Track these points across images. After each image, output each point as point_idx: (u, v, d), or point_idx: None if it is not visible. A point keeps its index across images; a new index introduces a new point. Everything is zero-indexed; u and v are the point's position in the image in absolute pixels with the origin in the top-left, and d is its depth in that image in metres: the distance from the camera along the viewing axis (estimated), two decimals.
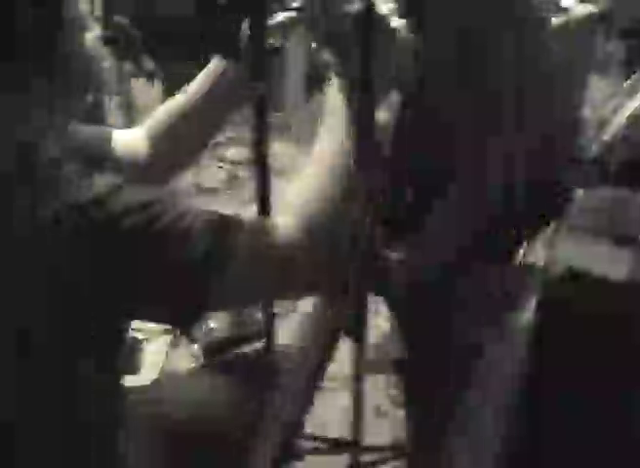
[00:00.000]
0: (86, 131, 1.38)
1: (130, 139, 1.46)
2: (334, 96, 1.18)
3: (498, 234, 1.75)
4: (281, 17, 1.36)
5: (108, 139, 1.42)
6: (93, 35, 1.21)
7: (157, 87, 3.70)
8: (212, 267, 1.05)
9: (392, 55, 1.13)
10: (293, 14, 1.36)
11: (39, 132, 1.09)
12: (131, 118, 3.57)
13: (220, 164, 3.54)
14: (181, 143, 1.48)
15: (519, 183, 1.69)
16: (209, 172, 3.51)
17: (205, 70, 1.44)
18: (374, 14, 1.09)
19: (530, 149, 1.67)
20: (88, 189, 1.02)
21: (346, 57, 1.16)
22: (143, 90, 3.66)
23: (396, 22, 1.12)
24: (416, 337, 1.99)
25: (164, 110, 1.48)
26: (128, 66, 3.58)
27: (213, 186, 3.47)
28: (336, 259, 1.17)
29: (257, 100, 1.13)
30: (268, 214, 1.27)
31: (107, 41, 3.29)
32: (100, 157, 1.38)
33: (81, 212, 1.00)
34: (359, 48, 1.12)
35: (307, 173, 1.17)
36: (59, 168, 1.05)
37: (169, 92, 3.53)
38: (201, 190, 3.43)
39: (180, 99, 1.46)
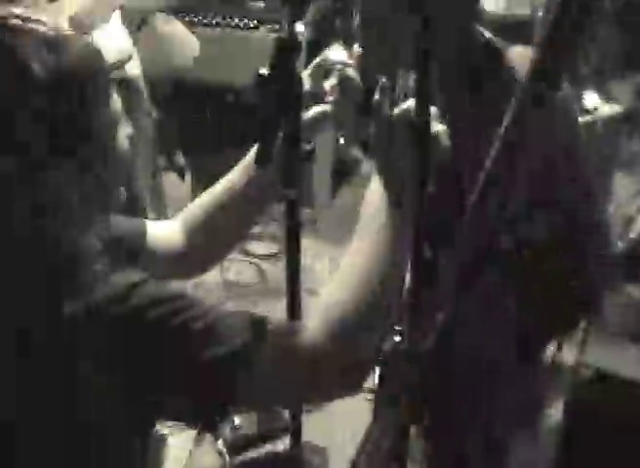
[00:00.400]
0: (122, 223, 1.42)
1: (165, 232, 1.49)
2: (371, 193, 1.20)
3: (499, 252, 1.74)
4: (312, 112, 1.38)
5: (144, 232, 1.45)
6: (125, 131, 1.25)
7: (187, 181, 3.76)
8: (235, 366, 1.06)
9: (432, 158, 1.16)
10: (325, 108, 1.38)
11: (78, 223, 1.13)
12: (161, 211, 3.63)
13: (248, 259, 3.57)
14: (216, 237, 1.51)
15: (520, 201, 1.69)
16: (236, 266, 3.54)
17: (239, 166, 1.47)
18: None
19: (530, 168, 1.67)
20: (117, 282, 1.06)
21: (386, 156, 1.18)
22: (174, 184, 3.73)
23: (437, 127, 1.15)
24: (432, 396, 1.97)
25: (199, 203, 1.51)
26: (159, 160, 3.66)
27: (240, 281, 3.49)
28: (364, 361, 1.17)
29: (288, 204, 1.15)
30: (298, 310, 1.28)
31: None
32: (135, 249, 1.41)
33: (109, 304, 1.03)
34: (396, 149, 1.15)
35: (342, 270, 1.19)
36: (94, 259, 1.09)
37: (199, 186, 3.60)
38: (228, 284, 3.45)
39: (215, 193, 1.49)
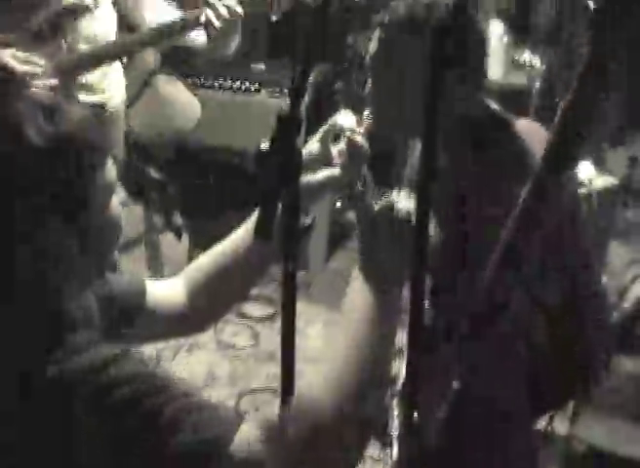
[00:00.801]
0: (122, 281, 1.44)
1: (166, 291, 1.50)
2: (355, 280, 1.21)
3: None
4: (320, 175, 1.38)
5: (143, 291, 1.46)
6: (119, 197, 1.26)
7: (184, 241, 3.79)
8: (202, 459, 1.07)
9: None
10: (333, 172, 1.39)
11: (71, 287, 1.16)
12: (157, 269, 3.65)
13: (244, 321, 3.58)
14: (218, 298, 1.51)
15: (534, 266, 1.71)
16: (231, 328, 3.55)
17: (241, 230, 1.47)
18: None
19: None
20: (97, 354, 1.08)
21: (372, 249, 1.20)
22: (171, 244, 3.76)
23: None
24: None
25: (200, 264, 1.51)
26: (157, 221, 3.69)
27: (234, 343, 3.50)
28: (365, 430, 1.17)
29: (285, 275, 1.15)
30: (292, 374, 1.28)
31: (137, 192, 3.43)
32: (134, 307, 1.43)
33: (86, 374, 1.06)
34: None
35: (334, 352, 1.20)
36: (84, 323, 1.12)
37: (197, 247, 3.64)
38: (223, 346, 3.46)
39: (217, 255, 1.50)
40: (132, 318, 1.41)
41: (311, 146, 1.38)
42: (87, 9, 2.56)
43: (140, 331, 1.44)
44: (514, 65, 3.92)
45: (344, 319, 1.20)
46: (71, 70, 2.52)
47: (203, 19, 2.55)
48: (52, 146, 1.10)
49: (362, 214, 1.21)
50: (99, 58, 2.60)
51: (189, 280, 1.51)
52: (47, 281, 1.14)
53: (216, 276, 1.49)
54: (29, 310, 1.12)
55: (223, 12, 2.54)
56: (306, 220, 1.28)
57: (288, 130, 1.08)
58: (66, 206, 1.13)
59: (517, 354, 1.70)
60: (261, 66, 3.95)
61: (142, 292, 1.46)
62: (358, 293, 1.20)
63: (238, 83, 3.80)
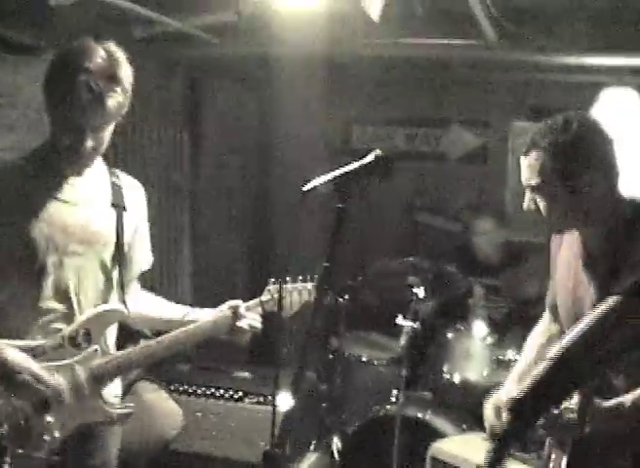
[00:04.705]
0: None
1: None
2: None
3: None
4: None
5: None
6: None
7: None
8: None
9: None
10: None
11: None
12: None
13: None
14: None
15: None
16: None
17: None
18: None
19: None
20: None
21: None
22: None
23: None
24: None
25: None
26: None
27: None
28: None
29: None
30: None
31: None
32: None
33: None
34: None
35: None
36: None
37: None
38: None
39: None
40: None
41: None
42: (122, 314, 2.46)
43: None
44: (498, 364, 4.03)
45: None
46: (107, 376, 2.40)
47: (243, 324, 2.52)
48: None
49: None
50: (132, 363, 2.46)
51: None
52: None
53: None
54: None
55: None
56: None
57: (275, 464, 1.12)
58: None
59: None
60: (245, 374, 4.05)
61: None
62: None
63: (222, 390, 3.88)
